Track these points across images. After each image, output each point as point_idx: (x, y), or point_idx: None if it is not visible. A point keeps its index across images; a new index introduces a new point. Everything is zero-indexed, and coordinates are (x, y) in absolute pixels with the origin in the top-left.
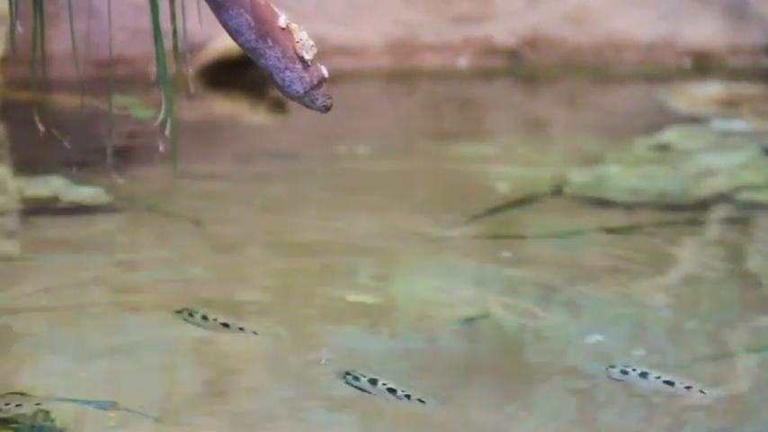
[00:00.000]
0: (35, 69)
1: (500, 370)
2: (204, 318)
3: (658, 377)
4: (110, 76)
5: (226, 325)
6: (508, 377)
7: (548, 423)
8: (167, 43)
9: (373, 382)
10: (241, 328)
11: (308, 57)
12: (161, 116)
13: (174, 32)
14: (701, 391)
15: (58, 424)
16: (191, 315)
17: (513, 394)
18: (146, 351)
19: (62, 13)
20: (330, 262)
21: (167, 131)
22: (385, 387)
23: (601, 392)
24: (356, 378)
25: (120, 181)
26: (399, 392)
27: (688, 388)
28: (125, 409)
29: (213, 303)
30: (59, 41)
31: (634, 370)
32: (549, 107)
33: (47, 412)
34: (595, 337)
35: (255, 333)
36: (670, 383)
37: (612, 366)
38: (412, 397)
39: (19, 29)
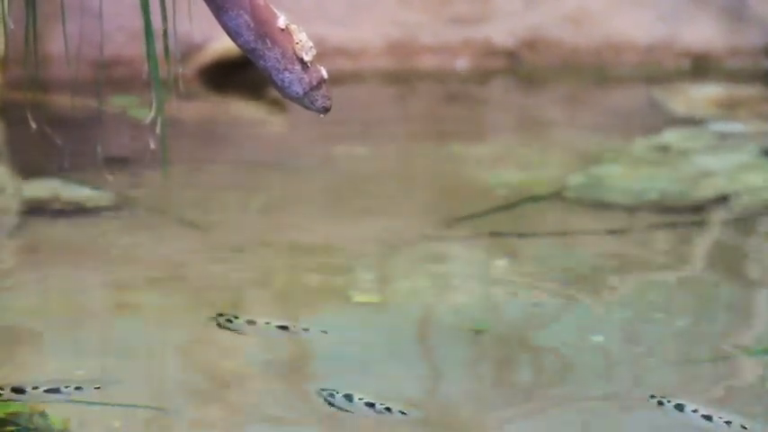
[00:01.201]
0: (29, 69)
1: (500, 373)
2: (251, 322)
3: (695, 410)
4: (100, 76)
5: (284, 327)
6: (506, 381)
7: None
8: (165, 43)
9: (349, 397)
10: (306, 329)
11: (307, 58)
12: (151, 115)
13: (165, 32)
14: (743, 427)
15: (57, 424)
16: (229, 321)
17: (512, 400)
18: (146, 353)
19: (60, 14)
20: (330, 264)
21: (158, 130)
22: (362, 402)
23: (616, 405)
24: (331, 395)
25: (110, 177)
26: (378, 406)
27: (728, 423)
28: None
29: (217, 306)
30: (58, 42)
31: (669, 401)
32: (548, 108)
33: (43, 413)
34: (596, 338)
35: (325, 332)
36: (708, 418)
37: (653, 396)
38: (393, 409)
39: (11, 25)
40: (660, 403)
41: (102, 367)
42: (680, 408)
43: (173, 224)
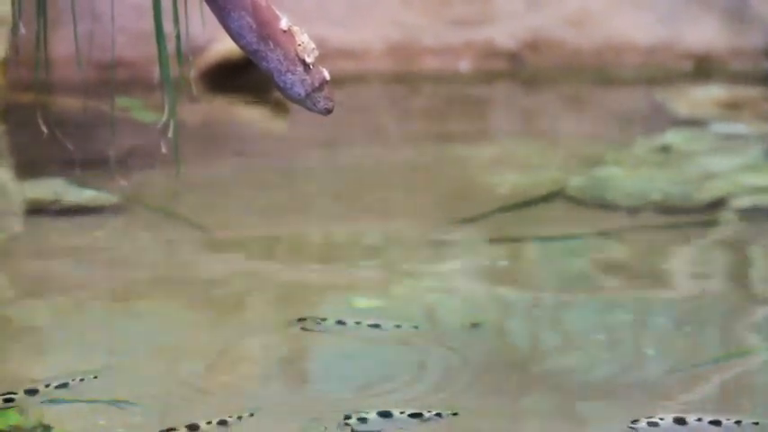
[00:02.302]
0: (39, 72)
1: (499, 372)
2: (341, 323)
3: (699, 419)
4: (111, 78)
5: (376, 325)
6: (507, 380)
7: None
8: (169, 45)
9: (386, 414)
10: (398, 326)
11: (309, 60)
12: (164, 118)
13: (178, 35)
14: (755, 423)
15: None
16: (317, 323)
17: (513, 400)
18: (149, 353)
19: (63, 17)
20: (332, 265)
21: (170, 133)
22: (405, 415)
23: (617, 399)
24: (362, 420)
25: (123, 183)
26: (426, 414)
27: (738, 423)
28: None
29: (218, 307)
30: (61, 44)
31: (662, 419)
32: (550, 109)
33: (47, 427)
34: (598, 338)
35: (416, 327)
36: (716, 423)
37: (635, 421)
38: (443, 414)
39: (22, 30)
40: (654, 424)
41: (105, 367)
42: (680, 422)
43: (176, 224)
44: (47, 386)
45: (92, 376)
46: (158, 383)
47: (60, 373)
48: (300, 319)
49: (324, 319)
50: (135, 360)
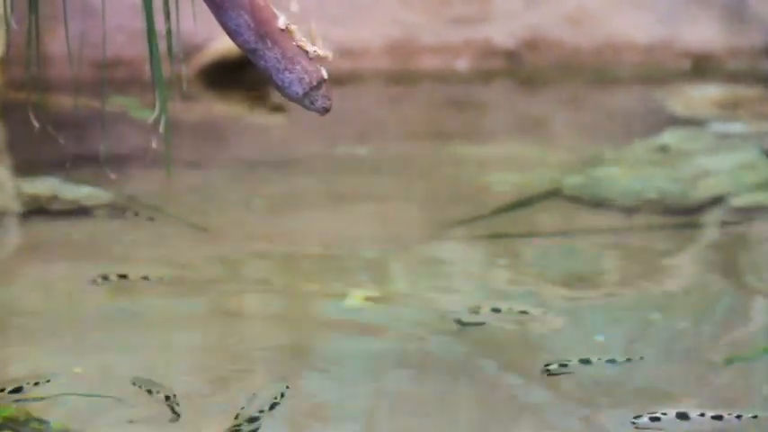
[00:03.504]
0: (31, 69)
1: (499, 371)
2: (495, 310)
3: (702, 414)
4: (103, 76)
5: (525, 312)
6: (508, 377)
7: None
8: (164, 44)
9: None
10: (546, 312)
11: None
12: (154, 114)
13: (169, 32)
14: (753, 417)
15: (55, 425)
16: (475, 312)
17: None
18: (147, 351)
19: (62, 15)
20: (330, 263)
21: (161, 129)
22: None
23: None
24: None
25: (112, 177)
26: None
27: (738, 417)
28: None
29: (214, 305)
30: (60, 42)
31: (665, 414)
32: (548, 108)
33: (43, 420)
34: (596, 339)
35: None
36: (718, 418)
37: (638, 417)
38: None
39: (14, 26)
40: (655, 419)
41: (100, 365)
42: (684, 416)
43: (173, 223)
44: (1, 390)
45: (45, 380)
46: (162, 386)
47: (47, 371)
48: (459, 321)
49: (480, 308)
50: (132, 361)
